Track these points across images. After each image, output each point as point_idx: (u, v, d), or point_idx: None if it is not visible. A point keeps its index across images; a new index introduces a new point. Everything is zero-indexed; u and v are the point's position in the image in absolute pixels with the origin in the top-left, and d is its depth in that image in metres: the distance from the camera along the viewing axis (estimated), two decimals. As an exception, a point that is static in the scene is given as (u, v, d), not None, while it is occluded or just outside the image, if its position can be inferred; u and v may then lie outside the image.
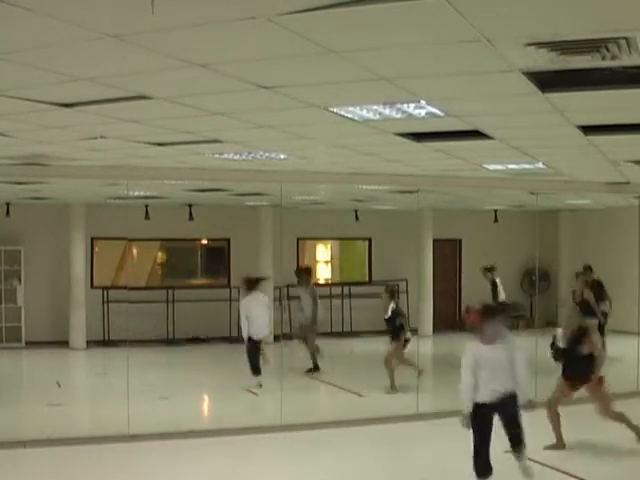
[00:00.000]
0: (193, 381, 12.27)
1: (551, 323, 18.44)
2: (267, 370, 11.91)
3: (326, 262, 20.22)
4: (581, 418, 9.17)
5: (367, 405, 10.78)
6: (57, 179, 10.30)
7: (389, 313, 11.57)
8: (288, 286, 17.34)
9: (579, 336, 8.43)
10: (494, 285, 15.37)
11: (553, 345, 8.88)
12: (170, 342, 16.13)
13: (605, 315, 13.68)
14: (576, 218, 19.10)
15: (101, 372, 13.90)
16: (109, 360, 14.68)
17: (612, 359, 13.68)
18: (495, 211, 17.56)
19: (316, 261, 20.18)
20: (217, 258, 18.67)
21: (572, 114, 5.74)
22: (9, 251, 15.93)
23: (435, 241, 17.90)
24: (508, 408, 6.61)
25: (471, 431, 6.60)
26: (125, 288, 14.31)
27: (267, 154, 8.23)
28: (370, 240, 19.05)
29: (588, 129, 6.42)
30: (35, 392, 11.82)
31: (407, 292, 18.07)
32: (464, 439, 7.37)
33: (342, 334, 17.69)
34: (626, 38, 3.64)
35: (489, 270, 15.52)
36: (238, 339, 16.62)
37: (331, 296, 18.16)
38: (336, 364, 14.33)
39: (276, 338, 15.48)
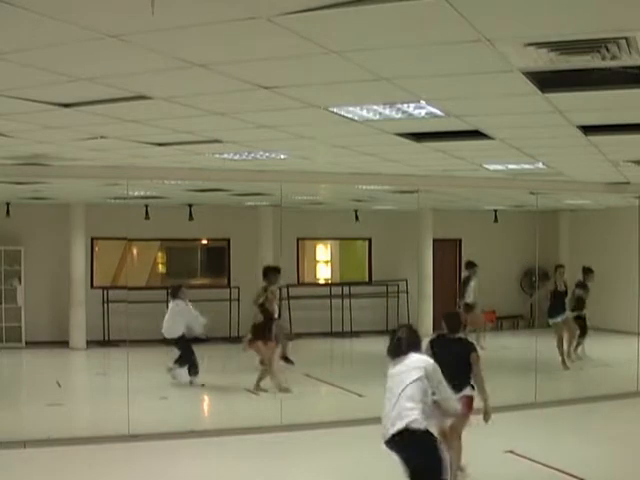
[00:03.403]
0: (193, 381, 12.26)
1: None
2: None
3: (326, 262, 20.22)
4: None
5: (367, 405, 10.77)
6: (57, 179, 10.30)
7: None
8: (288, 286, 17.37)
9: None
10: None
11: None
12: (170, 342, 16.09)
13: None
14: (576, 218, 19.10)
15: (101, 372, 13.91)
16: (109, 360, 14.69)
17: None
18: (495, 211, 17.56)
19: (316, 261, 20.19)
20: (217, 258, 18.67)
21: (572, 114, 5.74)
22: (9, 251, 15.93)
23: (435, 241, 17.90)
24: None
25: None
26: (125, 288, 14.30)
27: (267, 154, 8.23)
28: (370, 240, 19.06)
29: (588, 129, 6.42)
30: (35, 392, 11.83)
31: (407, 292, 18.09)
32: (467, 440, 7.38)
33: (342, 334, 17.70)
34: (626, 38, 3.64)
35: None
36: (238, 339, 16.70)
37: (331, 296, 18.19)
38: (336, 364, 14.34)
39: (276, 338, 15.49)
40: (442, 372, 6.21)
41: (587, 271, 14.46)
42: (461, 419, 6.87)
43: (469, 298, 15.39)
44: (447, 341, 7.11)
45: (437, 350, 6.79)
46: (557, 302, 13.45)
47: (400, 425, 5.37)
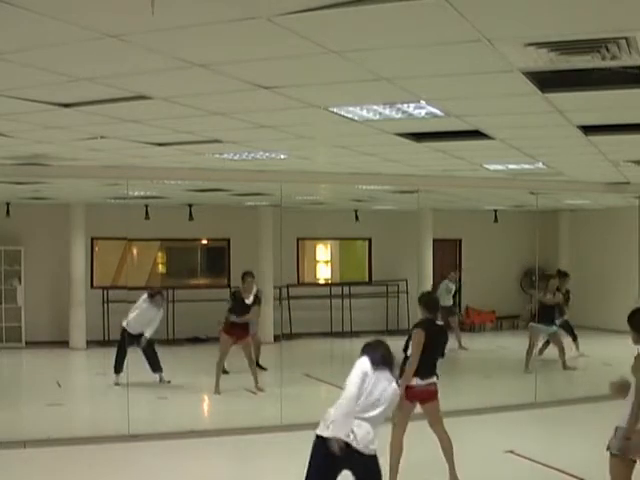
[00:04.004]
0: (193, 381, 12.27)
1: (551, 323, 18.47)
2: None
3: (326, 262, 20.23)
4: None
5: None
6: (57, 179, 10.30)
7: None
8: (288, 286, 17.38)
9: None
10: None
11: None
12: (170, 342, 16.12)
13: None
14: (576, 218, 19.11)
15: (101, 372, 13.89)
16: (109, 360, 14.66)
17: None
18: (495, 211, 17.56)
19: (316, 261, 20.19)
20: (217, 258, 18.67)
21: (572, 114, 5.74)
22: (9, 251, 15.93)
23: (435, 241, 17.91)
24: None
25: None
26: (125, 288, 14.30)
27: (267, 154, 8.23)
28: (370, 240, 19.06)
29: (588, 129, 6.42)
30: (35, 392, 11.82)
31: (407, 292, 18.09)
32: (467, 440, 7.42)
33: (342, 334, 17.70)
34: (626, 38, 3.64)
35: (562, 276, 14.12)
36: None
37: (331, 296, 18.19)
38: (336, 364, 14.33)
39: (276, 338, 15.52)
40: (429, 355, 6.84)
41: (562, 275, 14.26)
42: (437, 407, 7.07)
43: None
44: (440, 328, 7.33)
45: (434, 336, 7.05)
46: (542, 312, 13.05)
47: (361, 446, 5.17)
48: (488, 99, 5.35)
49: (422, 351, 6.88)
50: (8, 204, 15.17)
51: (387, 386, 5.37)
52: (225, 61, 4.22)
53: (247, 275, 11.94)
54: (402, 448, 6.86)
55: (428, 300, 7.41)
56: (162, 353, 15.61)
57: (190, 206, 16.03)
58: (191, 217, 16.13)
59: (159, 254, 19.24)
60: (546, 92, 4.91)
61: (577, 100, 5.18)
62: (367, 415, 5.23)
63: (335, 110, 5.62)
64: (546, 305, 13.06)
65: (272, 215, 16.19)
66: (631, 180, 10.91)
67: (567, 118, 5.87)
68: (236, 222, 17.27)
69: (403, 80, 4.72)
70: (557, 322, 13.23)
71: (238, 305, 11.60)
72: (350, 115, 5.79)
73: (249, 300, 11.67)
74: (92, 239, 16.72)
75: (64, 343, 15.80)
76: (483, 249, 18.74)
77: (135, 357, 11.61)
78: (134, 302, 12.16)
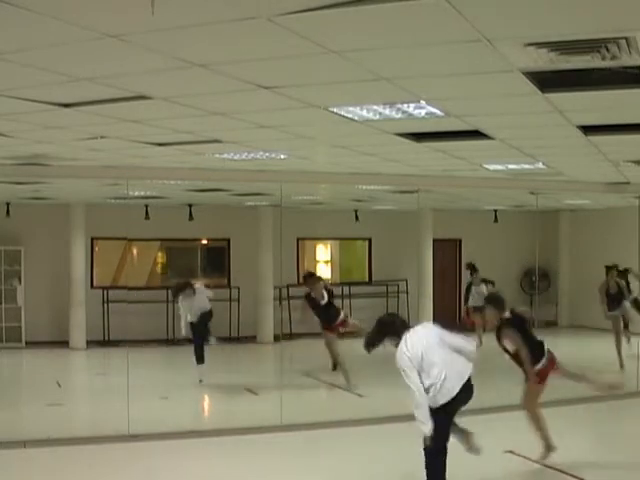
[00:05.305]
0: (193, 381, 12.26)
1: (551, 323, 18.54)
2: (267, 369, 11.98)
3: (326, 262, 20.22)
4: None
5: (367, 405, 10.78)
6: (57, 179, 10.30)
7: None
8: (288, 286, 17.36)
9: None
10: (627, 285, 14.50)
11: None
12: (170, 342, 16.12)
13: None
14: (576, 218, 19.10)
15: (101, 372, 13.90)
16: (109, 360, 14.69)
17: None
18: (495, 211, 17.56)
19: (316, 261, 20.18)
20: (217, 258, 18.67)
21: (572, 114, 5.75)
22: (9, 251, 15.93)
23: (435, 241, 17.89)
24: None
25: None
26: (125, 288, 14.31)
27: (267, 154, 8.23)
28: (370, 240, 19.05)
29: (588, 129, 6.43)
30: (35, 392, 11.82)
31: (407, 292, 18.09)
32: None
33: (342, 334, 17.67)
34: (626, 38, 3.64)
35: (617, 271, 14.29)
36: (238, 339, 16.72)
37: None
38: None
39: (276, 338, 15.51)
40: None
41: (609, 269, 14.34)
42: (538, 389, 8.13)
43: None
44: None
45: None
46: (611, 302, 13.62)
47: None
48: (488, 99, 5.35)
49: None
50: (8, 204, 15.17)
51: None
52: (225, 61, 4.22)
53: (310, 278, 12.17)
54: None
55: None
56: (162, 353, 15.66)
57: (190, 206, 16.02)
58: (191, 217, 16.12)
59: (159, 254, 19.24)
60: (546, 92, 4.91)
61: (577, 100, 5.19)
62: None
63: (335, 110, 5.63)
64: (609, 296, 13.72)
65: (272, 215, 16.17)
66: (631, 180, 10.91)
67: (567, 118, 5.87)
68: (236, 222, 17.26)
69: (403, 80, 4.72)
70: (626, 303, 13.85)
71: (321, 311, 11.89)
72: (350, 115, 5.79)
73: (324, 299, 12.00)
74: (92, 239, 16.71)
75: (64, 343, 15.80)
76: (483, 249, 18.72)
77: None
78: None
